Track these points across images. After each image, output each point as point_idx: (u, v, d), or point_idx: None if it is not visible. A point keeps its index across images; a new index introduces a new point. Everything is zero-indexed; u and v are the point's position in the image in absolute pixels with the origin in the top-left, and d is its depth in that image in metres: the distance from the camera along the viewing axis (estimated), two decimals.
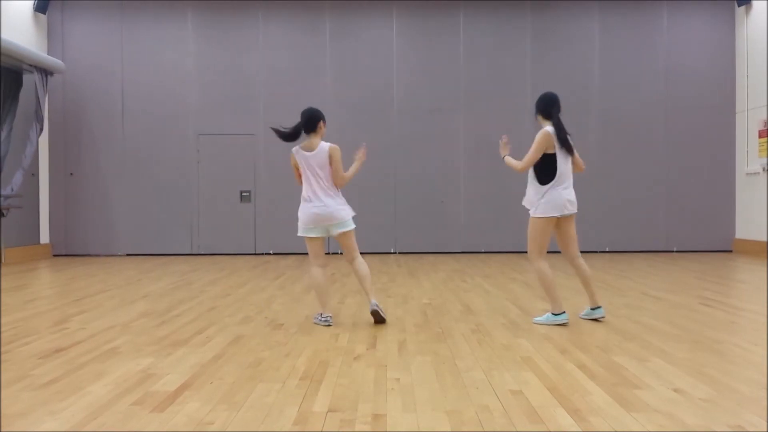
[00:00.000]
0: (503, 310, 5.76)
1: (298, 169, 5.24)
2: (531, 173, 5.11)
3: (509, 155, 5.25)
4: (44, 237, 11.62)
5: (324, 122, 5.21)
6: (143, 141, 11.84)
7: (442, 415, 2.99)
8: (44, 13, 11.54)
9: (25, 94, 10.52)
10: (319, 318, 5.21)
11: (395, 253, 11.89)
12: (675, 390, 3.35)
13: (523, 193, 5.22)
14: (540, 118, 5.14)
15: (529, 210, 5.12)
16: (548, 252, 5.14)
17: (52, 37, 11.75)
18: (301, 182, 5.24)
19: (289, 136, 5.16)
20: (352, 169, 5.30)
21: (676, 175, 11.95)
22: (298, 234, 5.24)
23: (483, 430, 2.80)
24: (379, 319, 5.18)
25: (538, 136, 5.00)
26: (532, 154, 5.00)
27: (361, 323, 5.22)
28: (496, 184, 11.68)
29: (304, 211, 5.16)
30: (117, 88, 11.85)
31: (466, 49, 11.97)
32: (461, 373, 3.70)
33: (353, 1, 11.98)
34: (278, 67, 11.87)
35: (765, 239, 10.79)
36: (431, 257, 11.12)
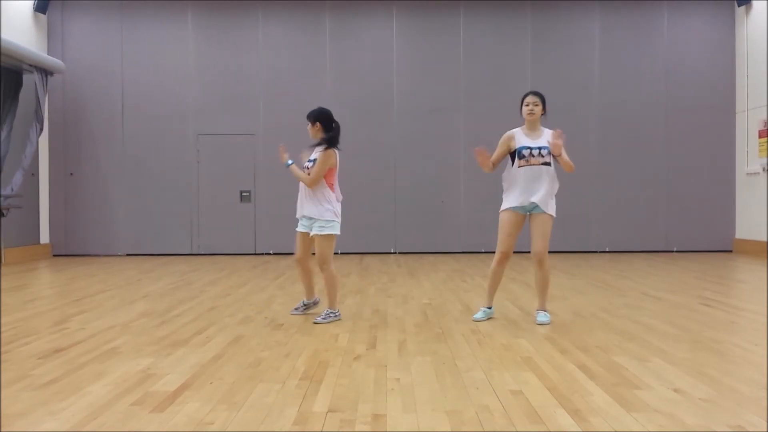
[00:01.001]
0: (503, 310, 5.75)
1: (331, 170, 5.30)
2: (554, 173, 5.09)
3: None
4: (44, 237, 11.62)
5: None
6: (143, 141, 11.84)
7: (442, 415, 2.99)
8: (44, 13, 11.54)
9: (25, 94, 10.51)
10: (331, 315, 5.28)
11: (395, 253, 11.89)
12: (675, 390, 3.35)
13: None
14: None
15: (548, 211, 5.09)
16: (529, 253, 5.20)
17: (52, 37, 11.75)
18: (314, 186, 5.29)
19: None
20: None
21: (676, 175, 11.95)
22: (337, 233, 5.29)
23: (483, 431, 2.80)
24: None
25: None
26: None
27: (361, 323, 5.22)
28: (496, 184, 11.57)
29: (339, 211, 5.37)
30: (117, 88, 11.84)
31: (466, 49, 11.97)
32: (461, 373, 3.70)
33: (353, 1, 11.97)
34: (278, 67, 11.87)
35: (765, 239, 10.79)
36: (431, 257, 11.12)
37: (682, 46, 11.97)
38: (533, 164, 5.05)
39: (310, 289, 5.62)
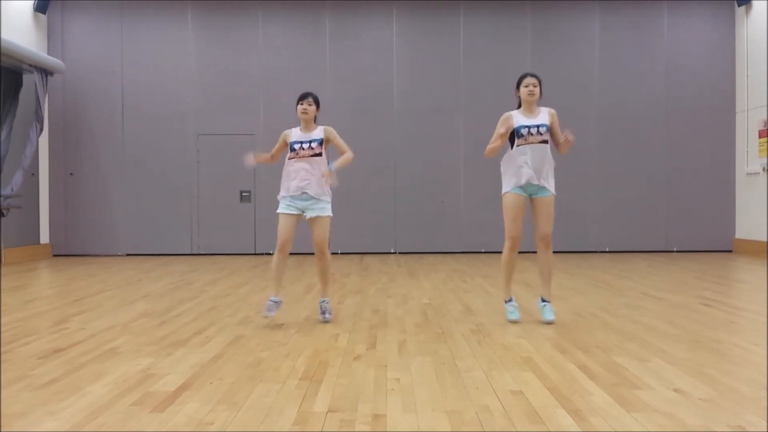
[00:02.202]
0: (503, 310, 5.74)
1: None
2: (552, 151, 5.12)
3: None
4: (44, 237, 11.62)
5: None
6: (143, 141, 11.84)
7: (442, 415, 2.99)
8: (44, 13, 11.54)
9: (25, 94, 10.52)
10: (329, 305, 5.32)
11: (395, 253, 11.89)
12: (675, 390, 3.35)
13: None
14: None
15: (551, 190, 5.13)
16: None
17: (52, 37, 11.75)
18: None
19: None
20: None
21: (676, 175, 11.95)
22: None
23: (483, 431, 2.80)
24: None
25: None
26: None
27: (361, 323, 5.22)
28: (496, 184, 11.61)
29: None
30: (117, 88, 11.85)
31: (466, 49, 11.97)
32: (461, 373, 3.70)
33: (353, 1, 11.97)
34: (278, 67, 11.87)
35: (765, 239, 10.79)
36: (431, 257, 11.12)
37: (682, 46, 11.97)
38: (532, 143, 5.05)
39: (281, 283, 5.18)
